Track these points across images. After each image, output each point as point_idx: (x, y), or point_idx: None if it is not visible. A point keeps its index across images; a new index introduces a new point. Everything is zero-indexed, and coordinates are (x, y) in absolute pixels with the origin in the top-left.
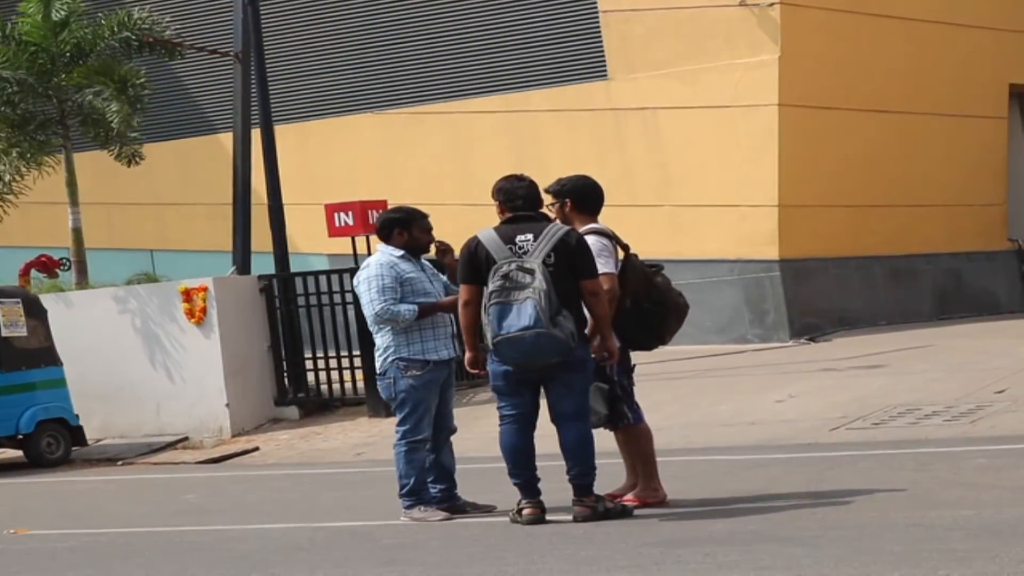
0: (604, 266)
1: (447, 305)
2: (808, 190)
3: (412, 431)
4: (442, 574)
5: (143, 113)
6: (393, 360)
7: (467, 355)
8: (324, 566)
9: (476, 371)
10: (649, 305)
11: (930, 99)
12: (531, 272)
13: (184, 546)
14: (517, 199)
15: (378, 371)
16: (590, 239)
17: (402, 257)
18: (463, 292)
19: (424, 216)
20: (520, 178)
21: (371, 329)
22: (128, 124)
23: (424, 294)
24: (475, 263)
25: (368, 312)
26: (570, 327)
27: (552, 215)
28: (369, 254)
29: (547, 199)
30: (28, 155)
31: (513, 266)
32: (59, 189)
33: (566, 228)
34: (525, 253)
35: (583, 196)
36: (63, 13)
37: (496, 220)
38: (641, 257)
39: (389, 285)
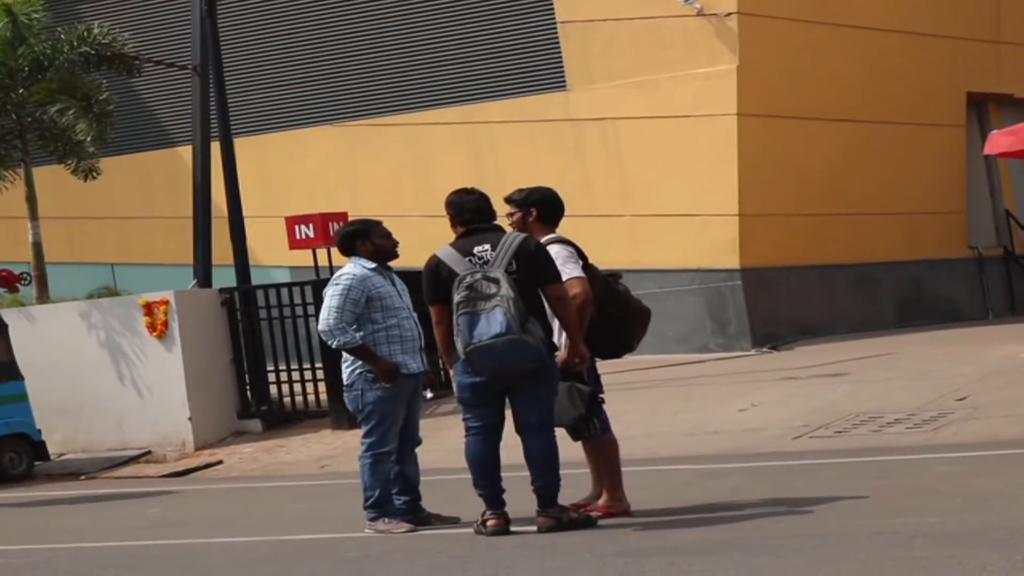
0: (573, 271)
1: (383, 369)
2: (768, 199)
3: (378, 443)
4: None
5: (112, 128)
6: (361, 372)
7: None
8: None
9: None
10: (615, 312)
11: (889, 108)
12: (496, 281)
13: (148, 561)
14: (466, 212)
15: (345, 383)
16: (555, 248)
17: (374, 270)
18: (433, 313)
19: (378, 223)
20: (469, 191)
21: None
22: (102, 140)
23: (393, 310)
24: (438, 282)
25: (321, 319)
26: (540, 334)
27: (508, 224)
28: (330, 266)
29: (507, 207)
30: None
31: (478, 276)
32: (18, 203)
33: (523, 236)
34: (485, 263)
35: (548, 207)
36: (29, 31)
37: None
38: (601, 267)
39: (354, 298)
